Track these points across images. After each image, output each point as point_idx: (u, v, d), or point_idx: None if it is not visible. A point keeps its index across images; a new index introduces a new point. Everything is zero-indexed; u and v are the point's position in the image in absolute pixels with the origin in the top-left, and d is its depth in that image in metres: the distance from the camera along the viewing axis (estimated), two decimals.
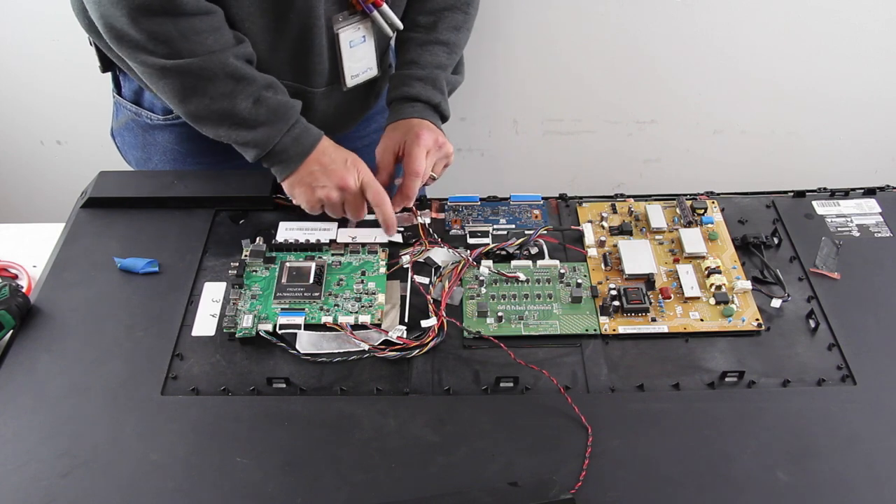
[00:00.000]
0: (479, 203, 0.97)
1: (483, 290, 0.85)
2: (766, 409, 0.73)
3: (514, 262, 0.88)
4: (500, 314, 0.81)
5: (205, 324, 0.82)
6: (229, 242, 0.91)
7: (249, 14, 0.85)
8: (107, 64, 0.98)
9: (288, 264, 0.86)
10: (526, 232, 0.92)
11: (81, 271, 0.87)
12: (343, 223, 0.93)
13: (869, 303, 0.83)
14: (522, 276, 0.86)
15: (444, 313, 0.81)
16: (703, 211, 0.93)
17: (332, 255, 0.88)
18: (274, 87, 0.86)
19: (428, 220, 0.93)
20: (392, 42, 1.05)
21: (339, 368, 0.78)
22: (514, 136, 1.53)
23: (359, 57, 0.96)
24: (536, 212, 0.96)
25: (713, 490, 0.67)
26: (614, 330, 0.81)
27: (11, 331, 0.80)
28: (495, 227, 0.93)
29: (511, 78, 1.43)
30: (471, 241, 0.91)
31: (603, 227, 0.93)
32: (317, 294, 0.83)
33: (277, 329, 0.80)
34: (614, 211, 0.95)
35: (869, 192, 0.97)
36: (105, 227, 0.93)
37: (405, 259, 0.88)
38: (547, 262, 0.88)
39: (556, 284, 0.85)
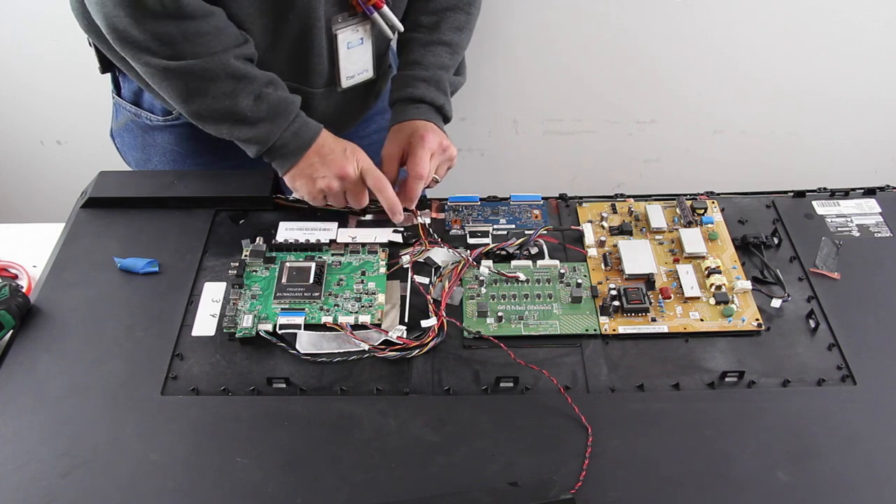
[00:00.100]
0: (479, 203, 0.97)
1: (483, 290, 0.85)
2: (766, 409, 0.73)
3: (514, 262, 0.88)
4: (500, 314, 0.81)
5: (205, 324, 0.82)
6: (229, 242, 0.91)
7: (249, 14, 0.85)
8: (106, 65, 0.98)
9: (288, 264, 0.86)
10: (526, 232, 0.92)
11: (81, 271, 0.87)
12: (343, 223, 0.93)
13: (869, 303, 0.83)
14: (522, 276, 0.86)
15: (444, 313, 0.81)
16: (703, 211, 0.93)
17: (332, 255, 0.88)
18: (274, 84, 0.87)
19: (428, 220, 0.93)
20: (392, 43, 1.05)
21: (339, 368, 0.78)
22: (514, 136, 1.53)
23: (355, 59, 0.96)
24: (536, 212, 0.96)
25: (713, 490, 0.67)
26: (614, 330, 0.81)
27: (11, 331, 0.80)
28: (495, 227, 0.93)
29: (511, 78, 1.43)
30: (471, 241, 0.91)
31: (603, 227, 0.93)
32: (317, 294, 0.83)
33: (277, 329, 0.80)
34: (614, 211, 0.95)
35: (869, 192, 0.97)
36: (105, 227, 0.93)
37: (405, 259, 0.88)
38: (547, 262, 0.88)
39: (556, 284, 0.85)
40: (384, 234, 0.91)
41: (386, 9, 0.92)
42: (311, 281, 0.84)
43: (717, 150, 1.54)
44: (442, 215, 0.95)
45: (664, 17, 1.33)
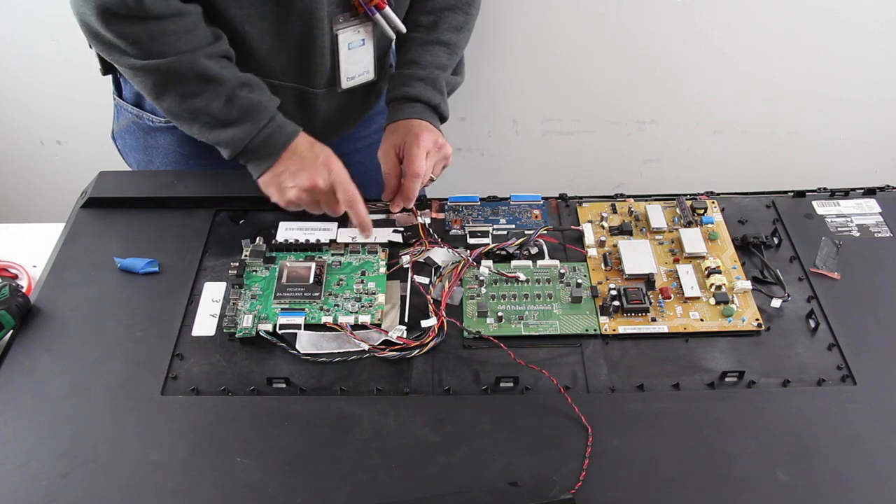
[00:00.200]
0: (479, 203, 0.97)
1: (483, 290, 0.85)
2: (766, 409, 0.73)
3: (514, 262, 0.88)
4: (500, 314, 0.81)
5: (205, 324, 0.82)
6: (229, 242, 0.91)
7: (249, 16, 0.85)
8: (107, 67, 0.98)
9: (288, 264, 0.86)
10: (526, 232, 0.92)
11: (81, 271, 0.87)
12: (343, 223, 0.93)
13: (869, 303, 0.83)
14: (522, 276, 0.86)
15: (444, 313, 0.81)
16: (703, 211, 0.93)
17: (332, 255, 0.88)
18: (250, 86, 0.86)
19: (428, 220, 0.93)
20: (393, 43, 1.05)
21: (339, 368, 0.78)
22: (514, 136, 1.53)
23: (355, 60, 0.95)
24: (536, 212, 0.96)
25: (713, 490, 0.67)
26: (614, 330, 0.81)
27: (11, 331, 0.80)
28: (495, 227, 0.93)
29: (511, 78, 1.43)
30: (471, 241, 0.91)
31: (603, 227, 0.93)
32: (317, 294, 0.83)
33: (277, 329, 0.80)
34: (614, 211, 0.95)
35: (869, 192, 0.97)
36: (105, 227, 0.93)
37: (405, 259, 0.88)
38: (547, 262, 0.88)
39: (556, 284, 0.85)
40: (384, 234, 0.91)
41: (388, 10, 0.91)
42: (311, 281, 0.84)
43: (717, 150, 1.54)
44: (442, 215, 0.95)
45: (664, 17, 1.33)
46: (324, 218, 0.92)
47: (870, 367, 0.77)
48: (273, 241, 0.90)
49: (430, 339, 0.79)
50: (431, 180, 0.94)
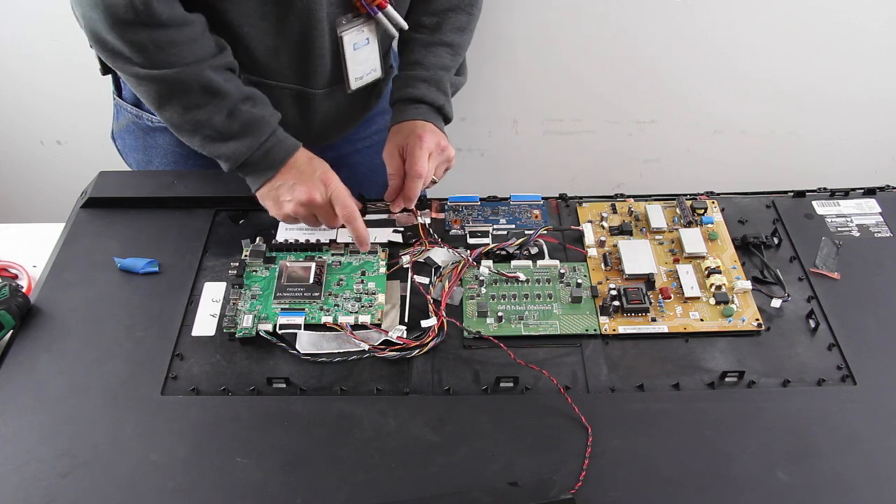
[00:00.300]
0: (479, 203, 0.97)
1: (483, 290, 0.85)
2: (766, 409, 0.73)
3: (514, 262, 0.88)
4: (500, 314, 0.81)
5: (205, 324, 0.82)
6: (229, 242, 0.91)
7: (249, 17, 0.85)
8: (107, 66, 0.98)
9: (288, 264, 0.86)
10: (526, 232, 0.92)
11: (81, 271, 0.87)
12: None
13: (869, 303, 0.83)
14: (522, 276, 0.86)
15: (444, 313, 0.81)
16: (703, 211, 0.93)
17: (332, 255, 0.88)
18: (253, 100, 0.86)
19: (428, 220, 0.93)
20: (394, 43, 1.05)
21: (339, 368, 0.78)
22: (514, 136, 1.53)
23: (362, 59, 0.95)
24: (536, 212, 0.96)
25: (713, 490, 0.67)
26: (614, 330, 0.81)
27: (11, 331, 0.80)
28: (495, 227, 0.93)
29: (511, 78, 1.43)
30: (471, 241, 0.91)
31: (603, 227, 0.93)
32: (317, 294, 0.83)
33: (277, 329, 0.80)
34: (614, 211, 0.95)
35: (869, 192, 0.97)
36: (105, 227, 0.93)
37: (405, 259, 0.88)
38: (547, 262, 0.88)
39: (556, 284, 0.85)
40: (384, 234, 0.91)
41: (390, 8, 0.91)
42: (311, 281, 0.84)
43: (717, 150, 1.54)
44: (442, 215, 0.95)
45: (664, 17, 1.33)
46: None
47: (870, 367, 0.77)
48: (273, 241, 0.90)
49: (430, 339, 0.79)
50: (433, 182, 0.94)
